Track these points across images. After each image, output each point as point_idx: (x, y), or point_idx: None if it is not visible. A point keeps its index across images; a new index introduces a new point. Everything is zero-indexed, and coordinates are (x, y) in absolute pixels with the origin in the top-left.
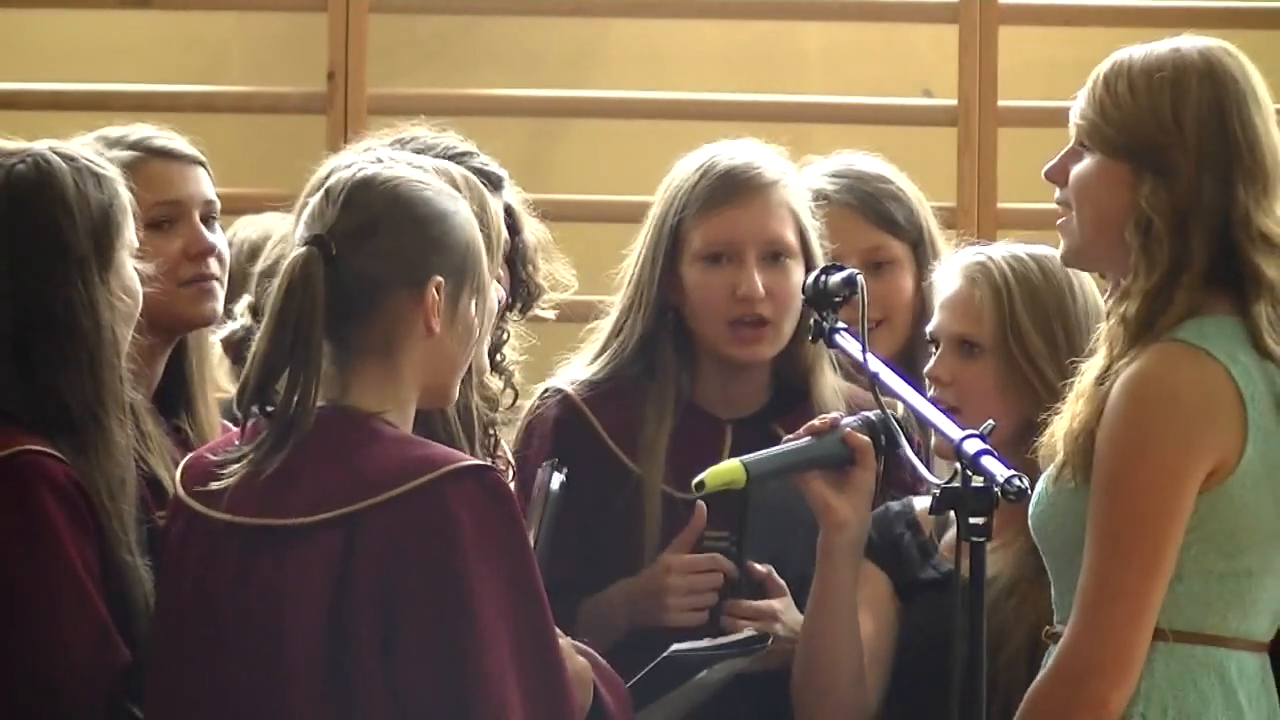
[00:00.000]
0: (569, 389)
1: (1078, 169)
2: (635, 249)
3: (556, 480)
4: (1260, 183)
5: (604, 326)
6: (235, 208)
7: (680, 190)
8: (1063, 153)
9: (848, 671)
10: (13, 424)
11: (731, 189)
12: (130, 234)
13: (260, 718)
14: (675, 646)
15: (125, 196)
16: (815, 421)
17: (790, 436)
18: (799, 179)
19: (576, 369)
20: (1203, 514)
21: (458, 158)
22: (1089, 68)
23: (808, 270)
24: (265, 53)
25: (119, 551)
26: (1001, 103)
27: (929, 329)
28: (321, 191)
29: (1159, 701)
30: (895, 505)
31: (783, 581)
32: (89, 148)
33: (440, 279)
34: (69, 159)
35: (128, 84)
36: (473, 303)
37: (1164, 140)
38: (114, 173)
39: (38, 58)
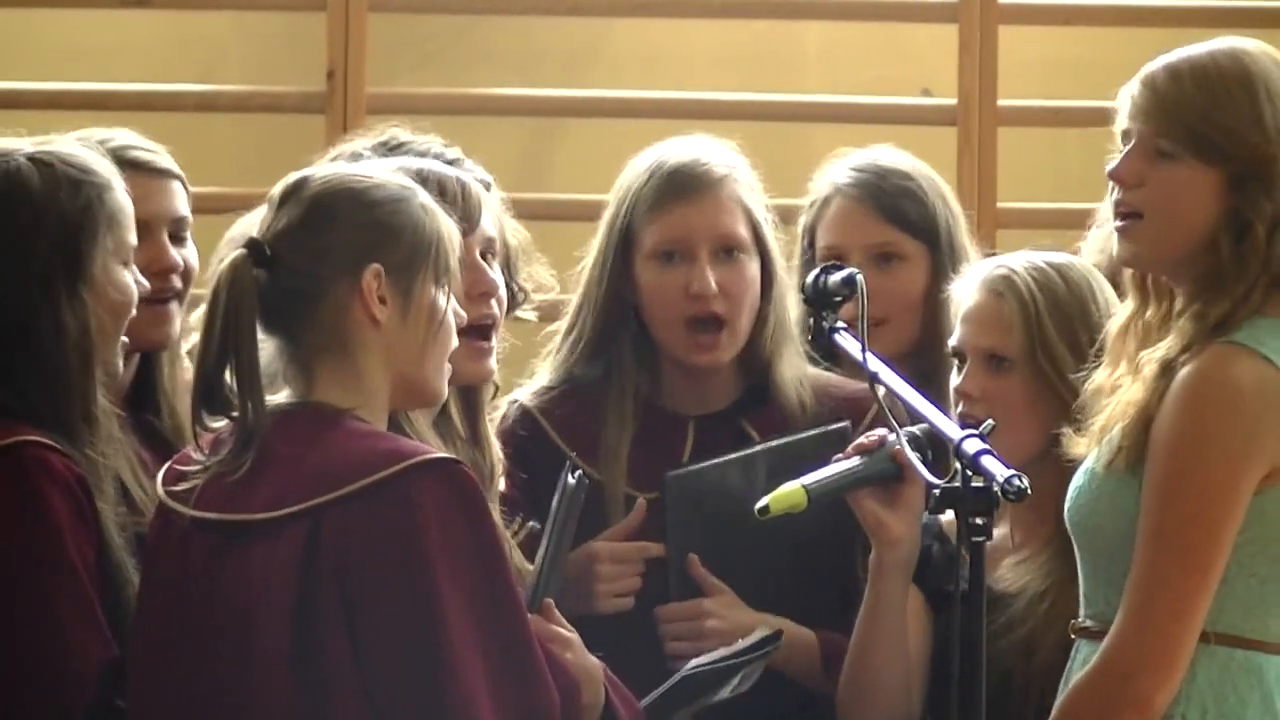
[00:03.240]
0: (526, 399)
1: (1165, 175)
2: (590, 250)
3: (571, 479)
4: None
5: (560, 328)
6: (234, 207)
7: (630, 189)
8: (1132, 153)
9: (897, 684)
10: (12, 416)
11: (680, 186)
12: (117, 238)
13: (233, 710)
14: (693, 662)
15: (112, 201)
16: (863, 439)
17: (840, 456)
18: (750, 173)
19: (540, 375)
20: (1252, 517)
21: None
22: (1089, 68)
23: (763, 263)
24: (264, 52)
25: (112, 548)
26: (1001, 102)
27: (952, 343)
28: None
29: (1199, 703)
30: (923, 518)
31: (719, 581)
32: (82, 147)
33: (378, 267)
34: (45, 164)
35: (127, 84)
36: (434, 290)
37: (1270, 150)
38: (101, 177)
39: (38, 58)
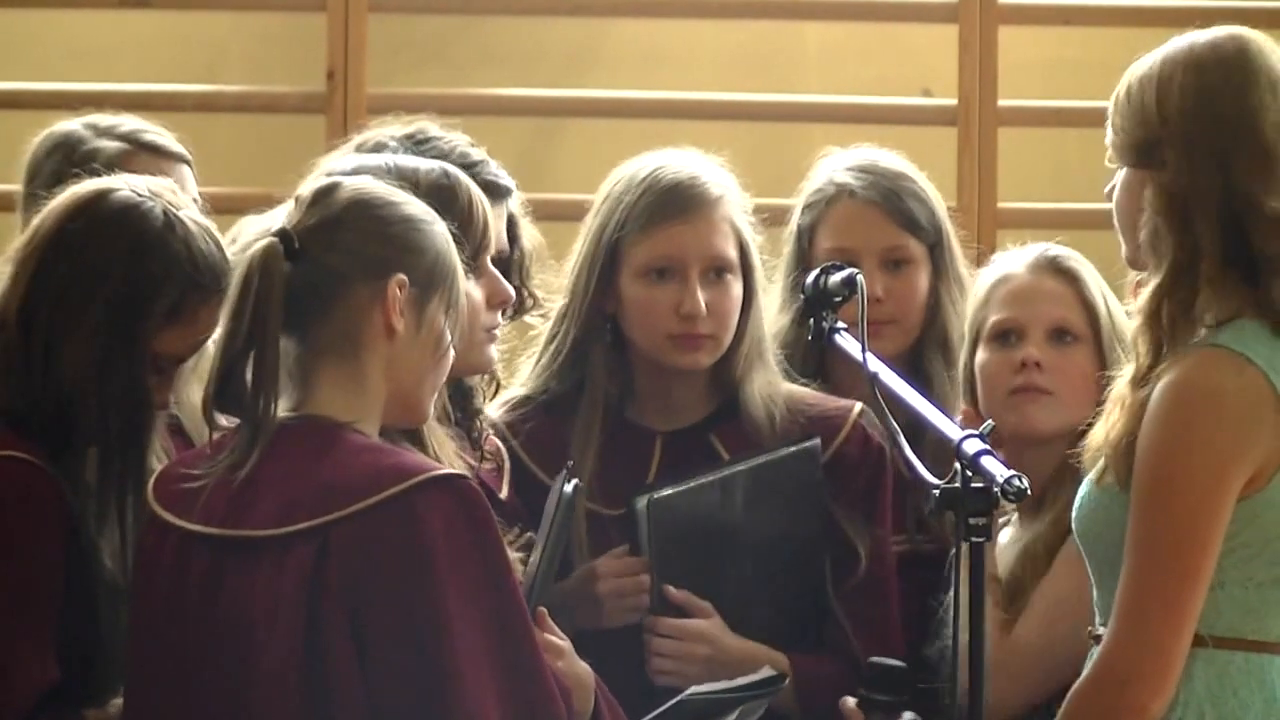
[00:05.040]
0: (496, 414)
1: (1119, 185)
2: (572, 258)
3: (567, 487)
4: (1260, 161)
5: (541, 335)
6: (234, 207)
7: (622, 203)
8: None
9: None
10: (7, 426)
11: (676, 205)
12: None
13: None
14: (693, 689)
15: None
16: None
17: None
18: (738, 189)
19: (516, 384)
20: (1243, 521)
21: (468, 168)
22: (1089, 68)
23: (745, 283)
24: (264, 52)
25: (96, 566)
26: (1001, 102)
27: (1003, 316)
28: (294, 196)
29: (1197, 708)
30: None
31: (706, 603)
32: (166, 193)
33: (403, 277)
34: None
35: (127, 84)
36: (442, 314)
37: (1152, 136)
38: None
39: (38, 58)
